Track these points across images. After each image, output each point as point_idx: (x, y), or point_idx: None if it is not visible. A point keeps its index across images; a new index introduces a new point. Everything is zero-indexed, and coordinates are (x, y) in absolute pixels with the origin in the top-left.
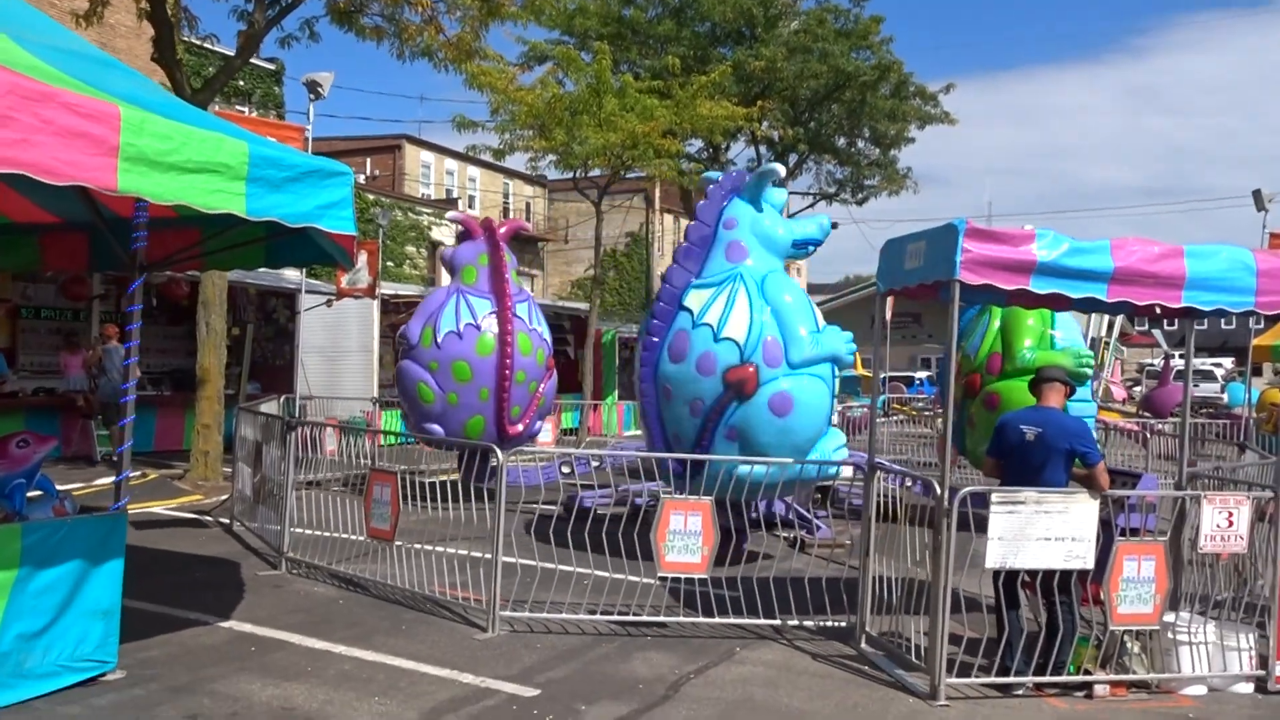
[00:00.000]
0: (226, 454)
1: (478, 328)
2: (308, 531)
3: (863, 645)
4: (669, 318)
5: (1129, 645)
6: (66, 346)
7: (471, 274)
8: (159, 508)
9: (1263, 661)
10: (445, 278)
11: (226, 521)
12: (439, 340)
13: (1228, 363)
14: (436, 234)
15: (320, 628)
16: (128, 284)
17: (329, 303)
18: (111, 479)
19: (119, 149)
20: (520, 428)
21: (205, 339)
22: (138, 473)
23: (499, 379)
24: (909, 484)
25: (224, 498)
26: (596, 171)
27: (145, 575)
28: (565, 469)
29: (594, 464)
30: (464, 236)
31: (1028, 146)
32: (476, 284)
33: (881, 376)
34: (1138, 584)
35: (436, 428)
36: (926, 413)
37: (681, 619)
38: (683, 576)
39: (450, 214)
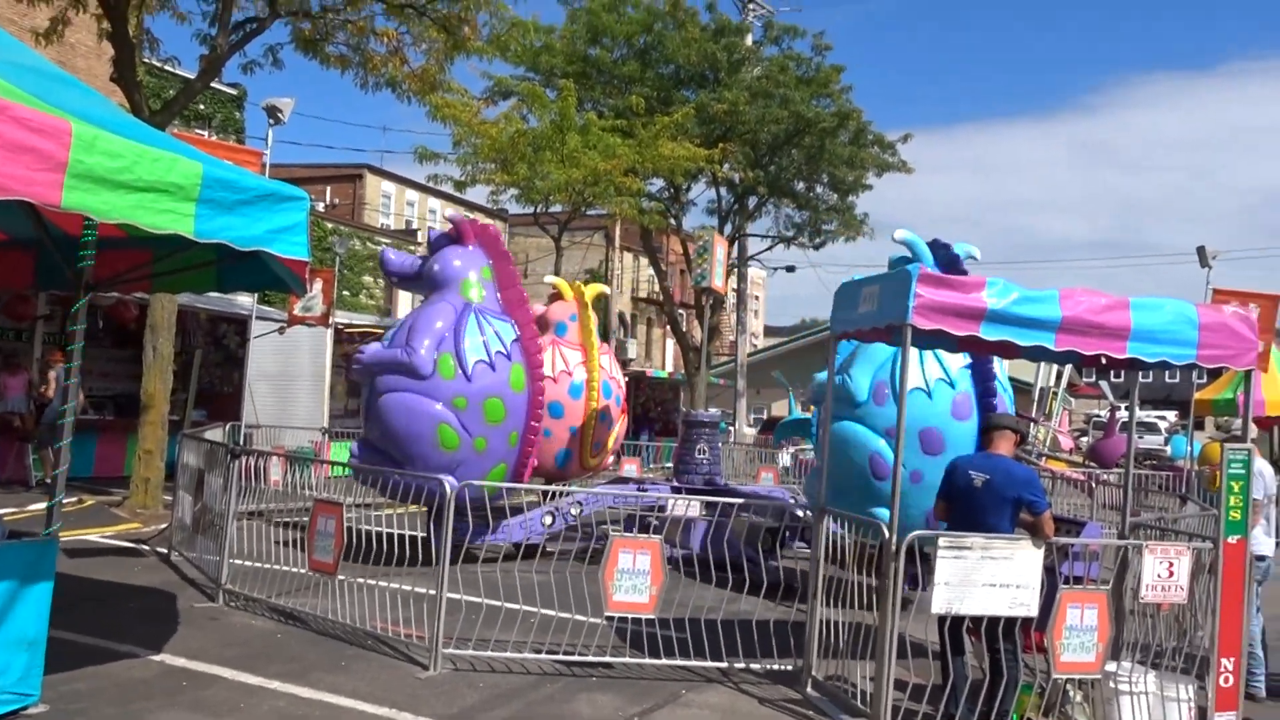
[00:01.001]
0: (168, 482)
1: (508, 357)
2: (248, 563)
3: (809, 690)
4: None
5: (1071, 694)
6: (7, 368)
7: (474, 289)
8: (94, 535)
9: (1202, 713)
10: (403, 302)
11: (164, 551)
12: (468, 371)
13: (1172, 415)
14: None
15: (256, 662)
16: (72, 305)
17: (281, 330)
18: (43, 503)
19: (67, 165)
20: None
21: (152, 363)
22: (74, 498)
23: (529, 420)
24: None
25: (163, 526)
26: (558, 207)
27: (75, 605)
28: (547, 520)
29: (574, 511)
30: (443, 242)
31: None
32: (485, 302)
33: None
34: (1080, 632)
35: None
36: None
37: (627, 660)
38: (630, 616)
39: (448, 212)
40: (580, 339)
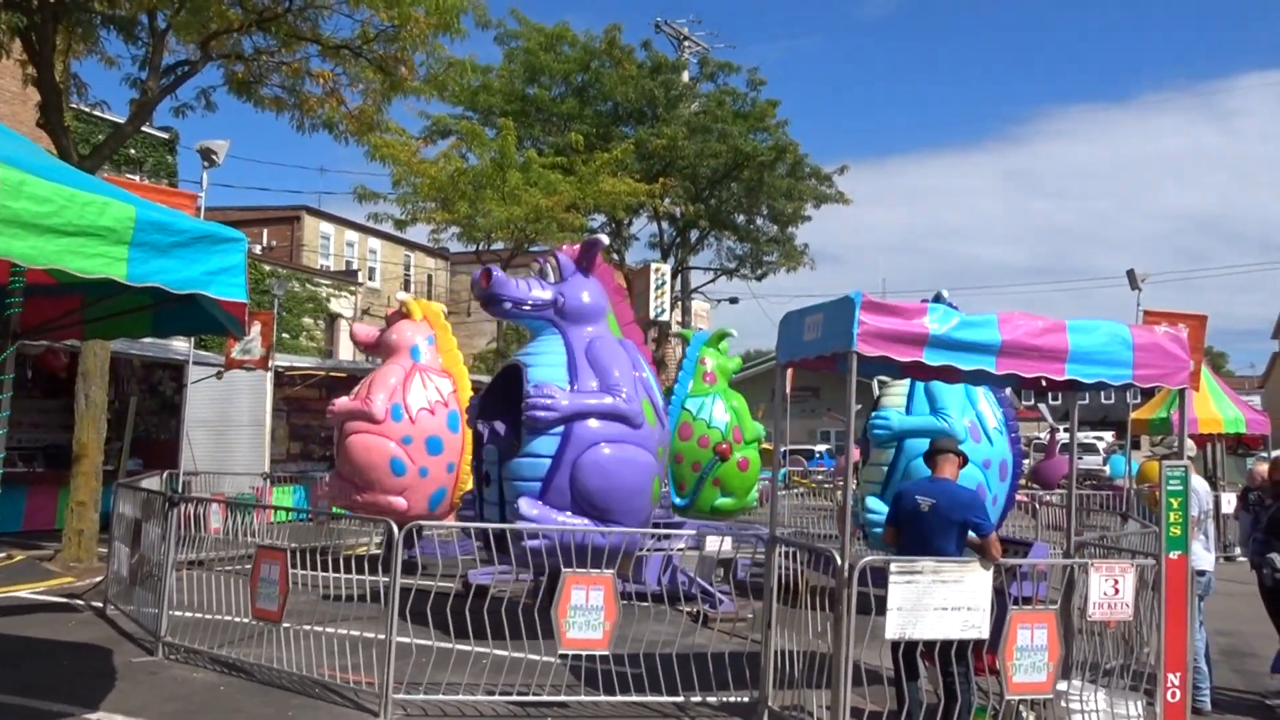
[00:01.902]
0: (103, 534)
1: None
2: (188, 614)
3: None
4: None
5: (1024, 714)
6: None
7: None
8: (24, 591)
9: None
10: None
11: (100, 605)
12: (661, 417)
13: (1109, 436)
14: (335, 305)
15: (197, 717)
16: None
17: (219, 374)
18: None
19: None
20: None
21: (84, 412)
22: (3, 554)
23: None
24: (809, 560)
25: (98, 580)
26: (500, 245)
27: (5, 664)
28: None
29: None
30: (571, 269)
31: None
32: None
33: (782, 450)
34: (1031, 652)
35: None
36: (826, 485)
37: (583, 698)
38: (584, 653)
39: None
40: (446, 365)
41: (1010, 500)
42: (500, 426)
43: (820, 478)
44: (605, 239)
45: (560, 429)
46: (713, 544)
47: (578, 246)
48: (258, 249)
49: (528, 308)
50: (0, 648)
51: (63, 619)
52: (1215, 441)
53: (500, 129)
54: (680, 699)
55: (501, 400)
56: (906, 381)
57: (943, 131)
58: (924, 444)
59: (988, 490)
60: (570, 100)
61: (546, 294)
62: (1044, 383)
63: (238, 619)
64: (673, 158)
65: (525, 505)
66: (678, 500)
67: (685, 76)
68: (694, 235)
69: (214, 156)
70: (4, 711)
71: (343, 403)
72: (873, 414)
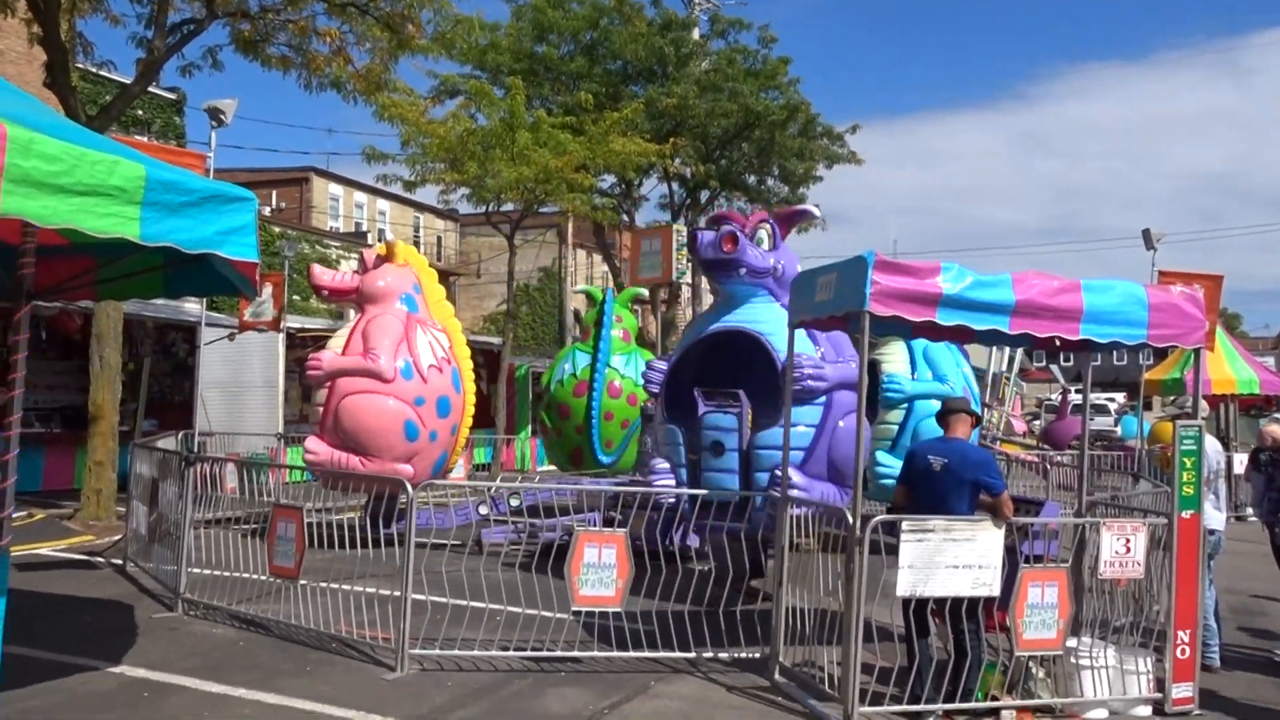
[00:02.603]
0: (120, 493)
1: None
2: (206, 571)
3: (777, 676)
4: None
5: (1034, 671)
6: None
7: None
8: (46, 549)
9: (1160, 684)
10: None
11: (119, 563)
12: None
13: (1120, 397)
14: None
15: (219, 671)
16: (14, 315)
17: (231, 336)
18: None
19: (4, 169)
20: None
21: (99, 373)
22: (23, 513)
23: None
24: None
25: (117, 538)
26: (509, 206)
27: (29, 619)
28: (483, 509)
29: (513, 501)
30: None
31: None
32: None
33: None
34: (1041, 610)
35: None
36: None
37: (595, 653)
38: (597, 610)
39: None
40: (437, 318)
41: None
42: (743, 396)
43: None
44: (817, 211)
45: (823, 399)
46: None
47: (791, 212)
48: (267, 211)
49: (760, 275)
50: (24, 604)
51: (84, 576)
52: (1229, 402)
53: (509, 88)
54: (692, 655)
55: (695, 367)
56: (900, 345)
57: (956, 91)
58: (932, 406)
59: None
60: (579, 59)
61: (770, 260)
62: (1058, 343)
63: (255, 576)
64: (683, 117)
65: (795, 476)
66: (604, 458)
67: (695, 34)
68: (704, 196)
69: (222, 116)
70: (29, 665)
71: (332, 358)
72: (885, 378)
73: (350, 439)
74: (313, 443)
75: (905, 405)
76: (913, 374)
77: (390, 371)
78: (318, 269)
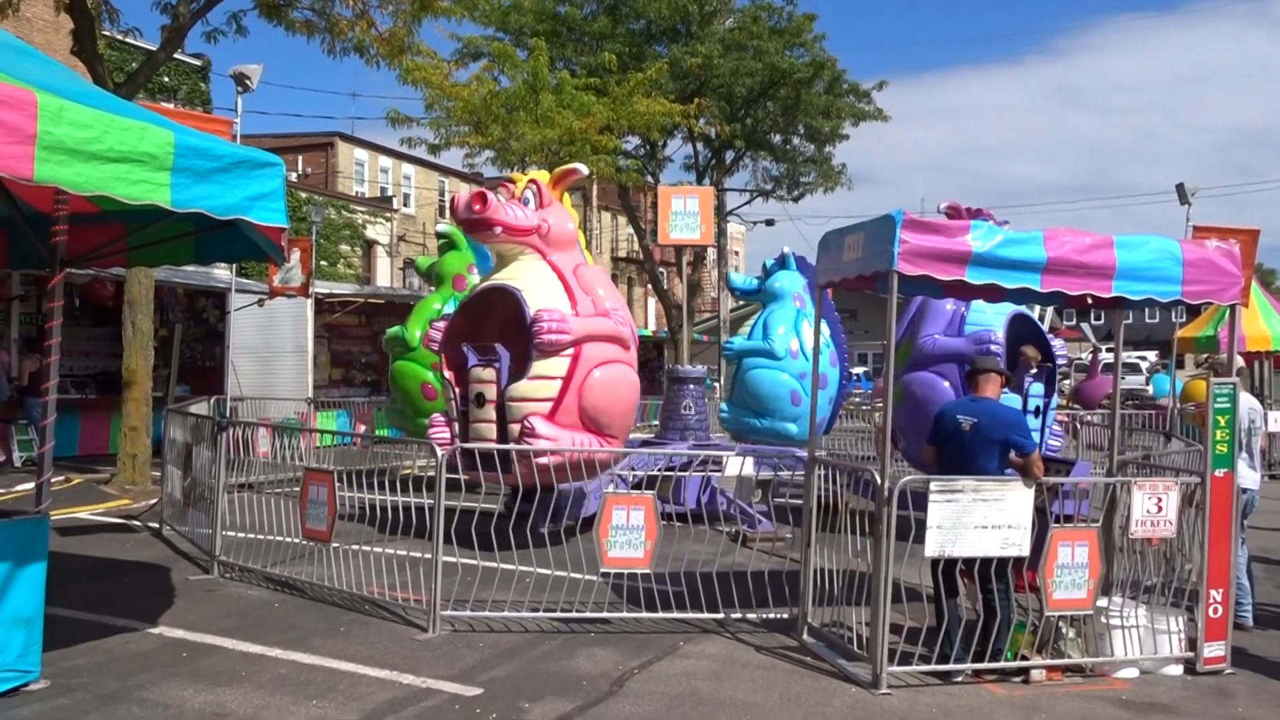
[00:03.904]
0: (155, 458)
1: None
2: (240, 534)
3: (805, 637)
4: None
5: (1064, 630)
6: None
7: None
8: (84, 513)
9: (1191, 644)
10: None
11: (155, 526)
12: None
13: (1152, 355)
14: (371, 232)
15: (254, 631)
16: (48, 283)
17: (260, 302)
18: (31, 484)
19: (36, 137)
20: None
21: (131, 340)
22: (61, 478)
23: None
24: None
25: (153, 502)
26: (534, 168)
27: (70, 581)
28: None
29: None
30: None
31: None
32: None
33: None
34: (1072, 570)
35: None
36: (865, 407)
37: (624, 614)
38: (625, 572)
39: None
40: None
41: (835, 406)
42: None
43: (858, 399)
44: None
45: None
46: (751, 466)
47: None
48: (293, 176)
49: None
50: (64, 566)
51: (121, 539)
52: (1264, 359)
53: (532, 50)
54: (721, 615)
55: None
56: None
57: (983, 46)
58: (758, 362)
59: (804, 395)
60: (602, 19)
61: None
62: (1090, 300)
63: (288, 539)
64: (707, 77)
65: (540, 425)
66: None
67: None
68: (729, 156)
69: (248, 81)
70: (70, 626)
71: (580, 318)
72: (726, 340)
73: (594, 418)
74: (543, 425)
75: (736, 360)
76: (751, 335)
77: (632, 337)
78: (493, 200)
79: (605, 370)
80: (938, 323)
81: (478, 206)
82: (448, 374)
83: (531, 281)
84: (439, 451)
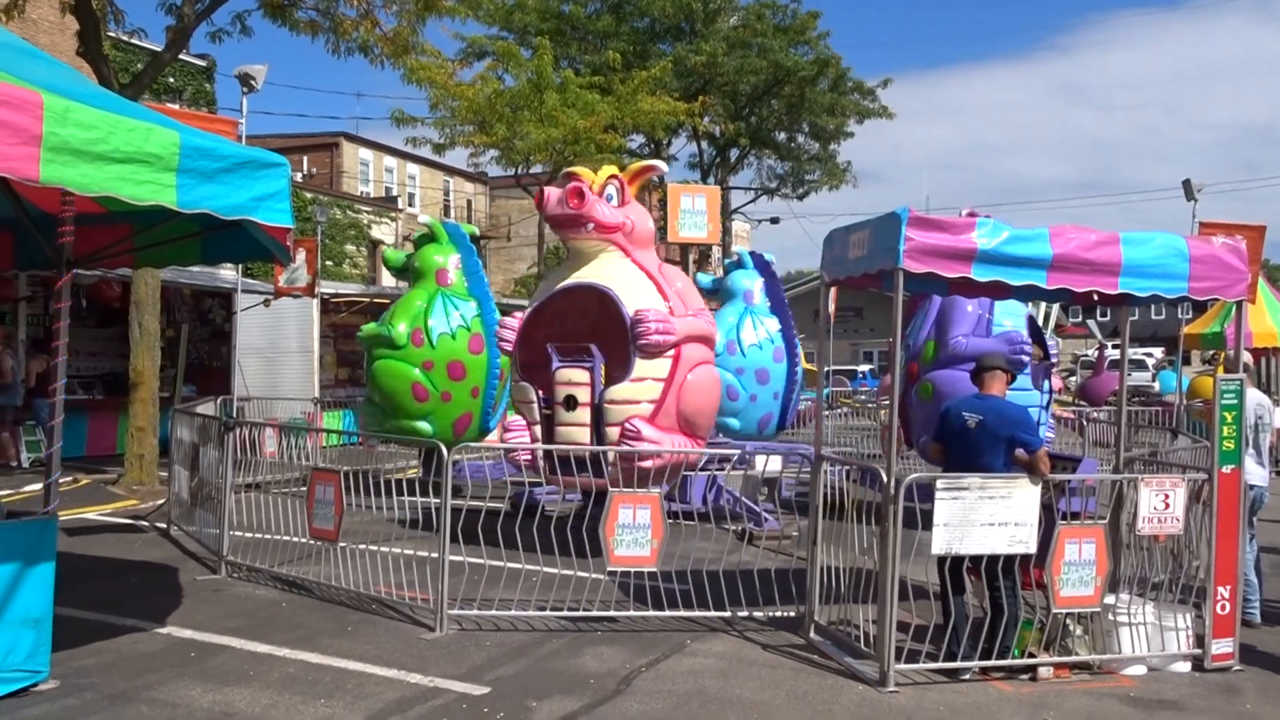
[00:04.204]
0: (162, 458)
1: None
2: (248, 534)
3: (812, 635)
4: None
5: (1071, 628)
6: None
7: None
8: (92, 513)
9: (1199, 641)
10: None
11: (163, 526)
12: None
13: (1158, 352)
14: (376, 232)
15: (262, 631)
16: (55, 284)
17: (266, 302)
18: (39, 484)
19: (42, 138)
20: None
21: (138, 340)
22: (69, 478)
23: None
24: (852, 474)
25: (160, 502)
26: (538, 168)
27: (78, 582)
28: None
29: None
30: None
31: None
32: None
33: (825, 370)
34: (1079, 567)
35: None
36: (870, 405)
37: (631, 613)
38: (632, 570)
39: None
40: None
41: (784, 403)
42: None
43: (864, 397)
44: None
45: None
46: (758, 463)
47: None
48: (298, 177)
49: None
50: (72, 566)
51: (129, 539)
52: (1270, 356)
53: (536, 49)
54: (727, 614)
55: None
56: None
57: (987, 43)
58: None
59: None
60: (606, 17)
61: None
62: (1096, 297)
63: (295, 539)
64: (712, 75)
65: (644, 428)
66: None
67: None
68: (734, 154)
69: (253, 82)
70: (78, 626)
71: (683, 319)
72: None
73: (691, 419)
74: (646, 428)
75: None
76: None
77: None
78: (590, 195)
79: (700, 372)
80: (965, 324)
81: (574, 202)
82: (521, 376)
83: (622, 281)
84: (444, 451)
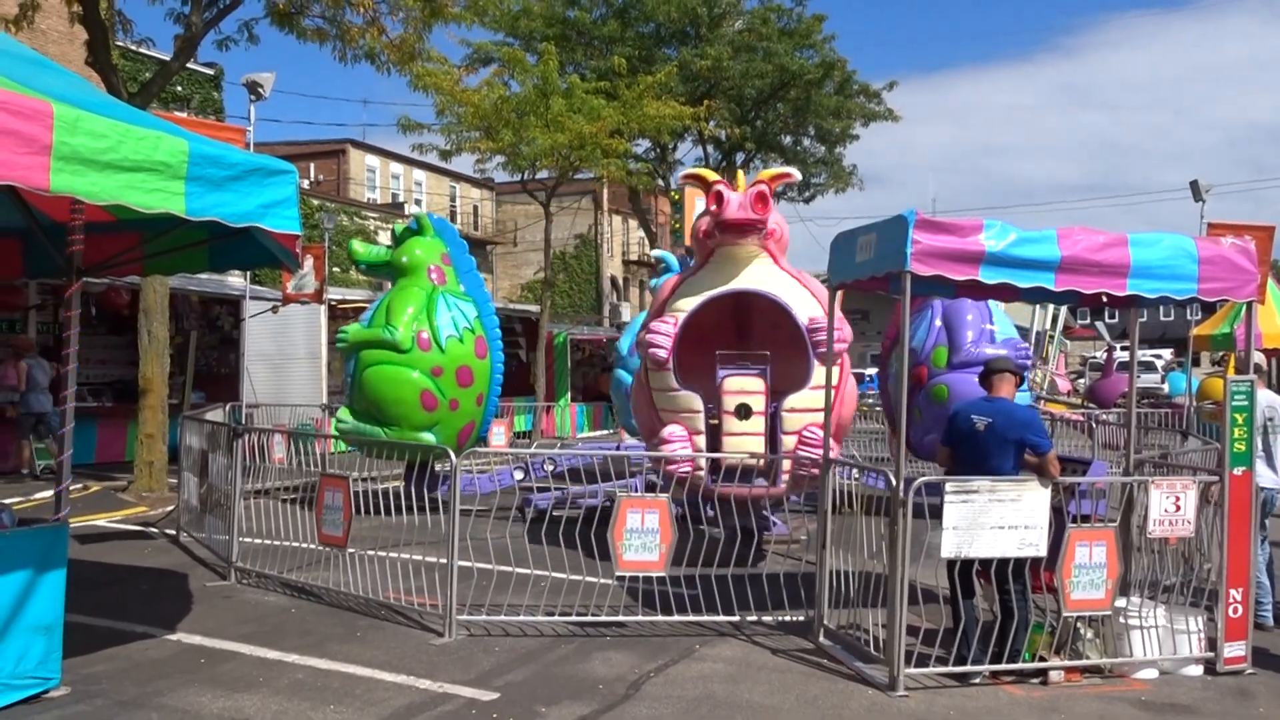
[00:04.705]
0: (171, 464)
1: None
2: (257, 541)
3: (821, 639)
4: None
5: (1082, 631)
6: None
7: None
8: (102, 520)
9: (1211, 644)
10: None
11: (173, 533)
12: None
13: (1167, 354)
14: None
15: (272, 637)
16: (65, 292)
17: (274, 309)
18: (50, 492)
19: (52, 147)
20: None
21: (147, 347)
22: (79, 485)
23: None
24: (859, 476)
25: (170, 509)
26: (544, 173)
27: (89, 588)
28: (519, 474)
29: (549, 467)
30: None
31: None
32: None
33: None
34: (1089, 570)
35: None
36: (878, 408)
37: (640, 618)
38: (641, 575)
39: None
40: None
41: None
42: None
43: (871, 400)
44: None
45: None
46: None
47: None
48: (305, 184)
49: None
50: (83, 573)
51: (139, 546)
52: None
53: (542, 55)
54: (736, 618)
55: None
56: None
57: (993, 44)
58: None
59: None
60: (612, 22)
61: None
62: (1104, 299)
63: (304, 545)
64: (717, 79)
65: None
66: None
67: None
68: (740, 158)
69: (260, 89)
70: (89, 632)
71: (843, 326)
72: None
73: (844, 427)
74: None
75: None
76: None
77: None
78: (734, 198)
79: (851, 381)
80: (973, 330)
81: (760, 207)
82: (681, 384)
83: (782, 287)
84: (453, 457)
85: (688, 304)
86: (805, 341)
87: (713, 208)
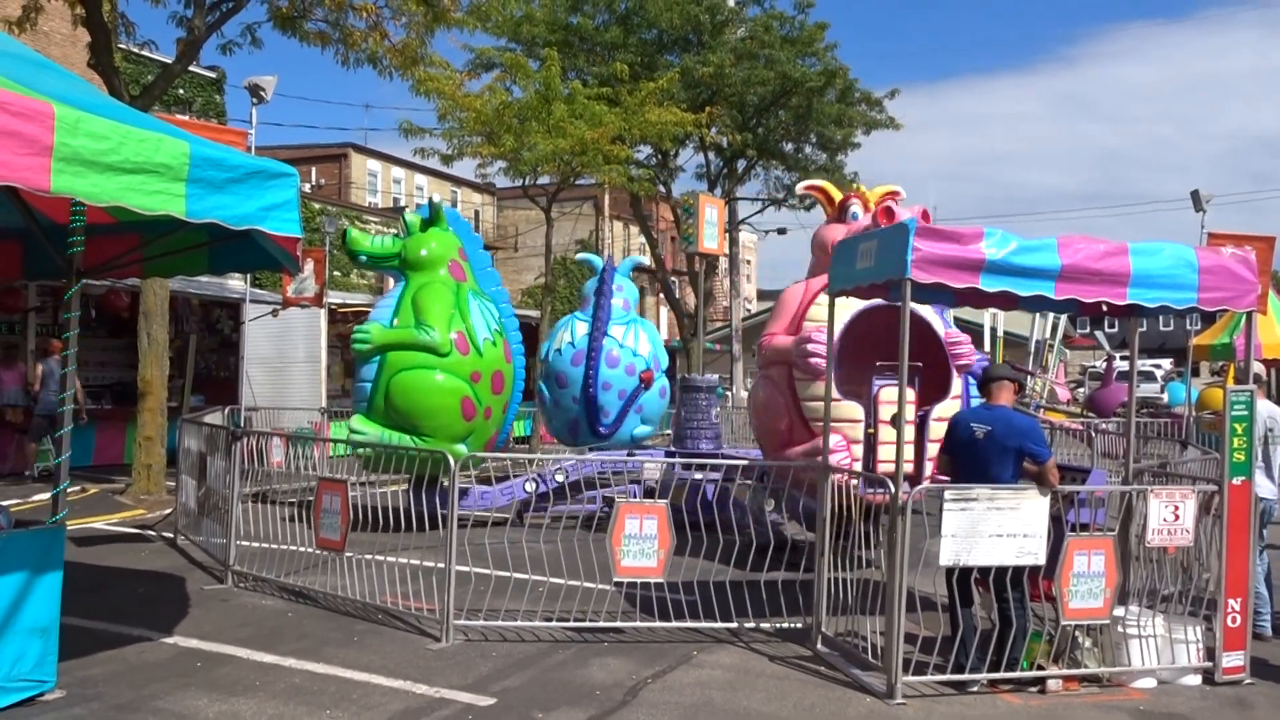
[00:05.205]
0: (170, 467)
1: None
2: (254, 544)
3: (819, 646)
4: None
5: (1080, 640)
6: (3, 361)
7: None
8: (100, 523)
9: (1210, 653)
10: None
11: (170, 536)
12: None
13: (1166, 363)
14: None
15: (269, 641)
16: (64, 294)
17: (274, 312)
18: (48, 494)
19: (53, 148)
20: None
21: (147, 350)
22: (77, 488)
23: None
24: (856, 483)
25: (167, 512)
26: (546, 179)
27: (86, 591)
28: (530, 485)
29: (559, 478)
30: None
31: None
32: None
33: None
34: (1088, 579)
35: None
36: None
37: (638, 624)
38: (639, 581)
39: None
40: None
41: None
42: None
43: None
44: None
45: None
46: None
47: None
48: (306, 187)
49: None
50: (80, 576)
51: (137, 549)
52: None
53: (544, 60)
54: (734, 625)
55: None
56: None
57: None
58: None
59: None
60: (614, 29)
61: None
62: (1104, 308)
63: (302, 549)
64: (719, 86)
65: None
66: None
67: (731, 1)
68: (741, 165)
69: (262, 93)
70: (86, 635)
71: (968, 338)
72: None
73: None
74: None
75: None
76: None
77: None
78: (903, 213)
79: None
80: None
81: (885, 222)
82: (844, 395)
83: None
84: (451, 463)
85: (822, 314)
86: (943, 354)
87: (883, 221)
